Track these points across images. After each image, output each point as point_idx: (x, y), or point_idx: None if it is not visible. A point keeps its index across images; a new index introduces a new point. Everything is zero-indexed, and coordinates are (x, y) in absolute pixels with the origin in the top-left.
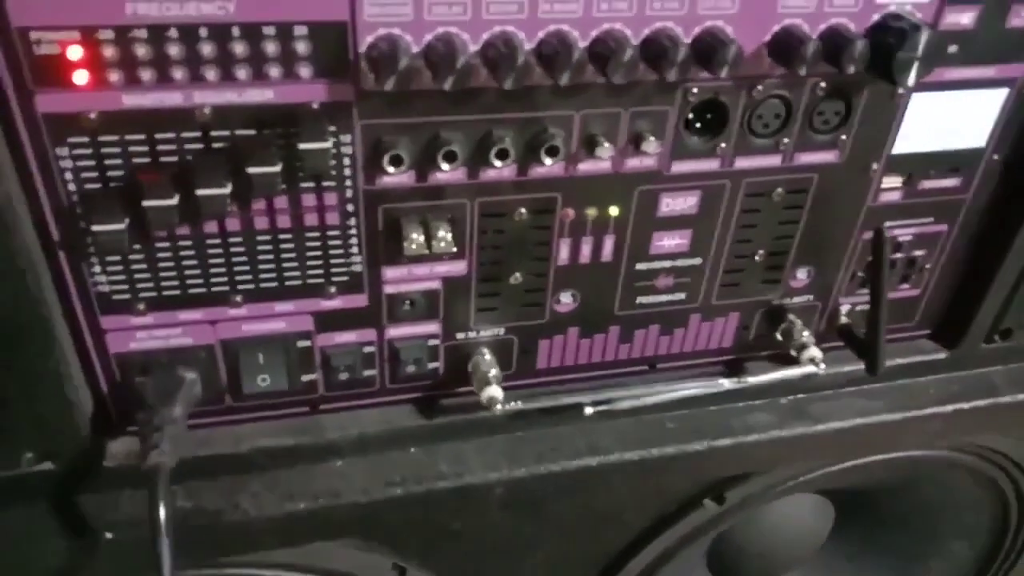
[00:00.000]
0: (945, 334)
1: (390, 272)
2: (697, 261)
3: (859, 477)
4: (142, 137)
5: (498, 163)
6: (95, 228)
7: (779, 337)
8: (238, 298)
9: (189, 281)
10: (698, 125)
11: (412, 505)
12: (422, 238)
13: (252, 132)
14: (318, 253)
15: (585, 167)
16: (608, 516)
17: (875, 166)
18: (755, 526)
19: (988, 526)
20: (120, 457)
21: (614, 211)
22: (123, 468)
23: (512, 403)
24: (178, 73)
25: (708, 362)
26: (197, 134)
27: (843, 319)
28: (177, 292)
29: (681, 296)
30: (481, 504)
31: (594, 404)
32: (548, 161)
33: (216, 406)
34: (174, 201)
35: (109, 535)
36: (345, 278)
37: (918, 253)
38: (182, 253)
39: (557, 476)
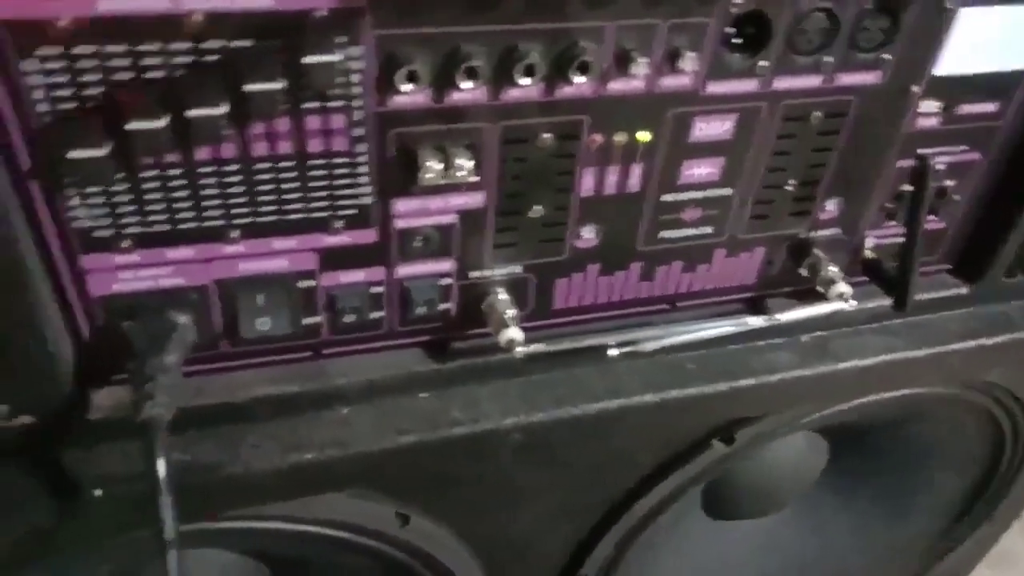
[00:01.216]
0: (967, 269)
1: (401, 205)
2: (727, 192)
3: (863, 414)
4: (123, 48)
5: (524, 81)
6: (71, 155)
7: (804, 272)
8: (234, 234)
9: (180, 215)
10: (737, 41)
11: (425, 454)
12: (439, 166)
13: (250, 43)
14: (323, 183)
15: (616, 86)
16: (615, 459)
17: (915, 89)
18: (750, 465)
19: (980, 461)
20: (107, 409)
21: (644, 136)
22: (111, 420)
23: (534, 345)
24: None
25: (729, 300)
26: (187, 45)
27: (867, 253)
28: (167, 227)
29: (708, 230)
30: (497, 451)
31: (619, 345)
32: (579, 79)
33: (211, 352)
34: (162, 123)
35: (98, 492)
36: (352, 211)
37: (949, 183)
38: (171, 183)
39: (577, 420)
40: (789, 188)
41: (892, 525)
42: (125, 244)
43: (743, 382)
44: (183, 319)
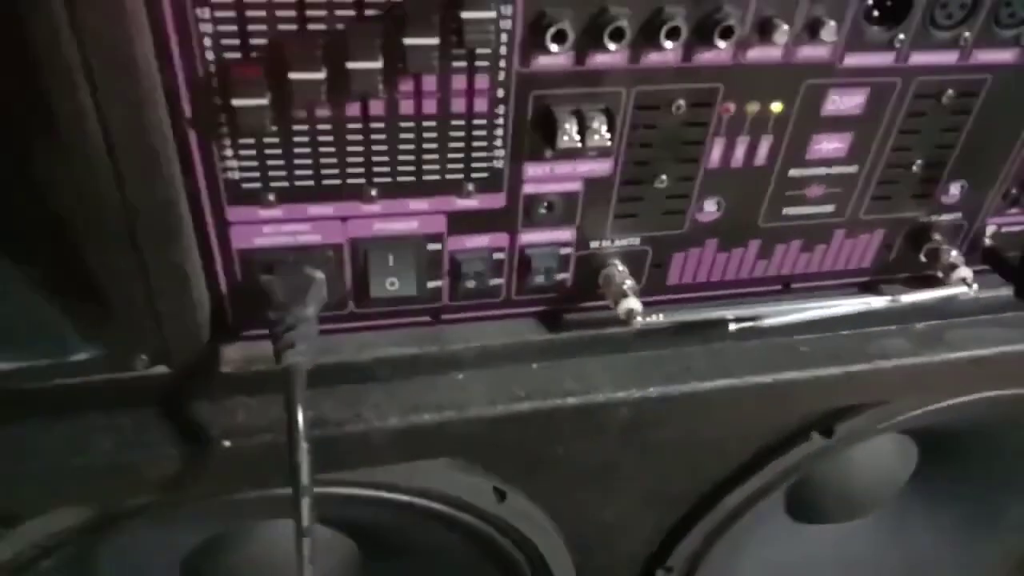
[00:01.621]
0: None
1: (532, 170)
2: (852, 169)
3: (966, 414)
4: (290, 0)
5: (668, 44)
6: (236, 103)
7: (923, 258)
8: (373, 192)
9: (324, 171)
10: (877, 13)
11: (536, 422)
12: (576, 130)
13: None
14: (460, 145)
15: (754, 54)
16: (713, 446)
17: None
18: (837, 466)
19: None
20: (236, 363)
21: (776, 107)
22: (240, 375)
23: (653, 316)
24: None
25: (844, 283)
26: None
27: (987, 241)
28: (311, 183)
29: (829, 208)
30: (603, 425)
31: (737, 320)
32: (721, 44)
33: (338, 312)
34: (321, 75)
35: (227, 443)
36: (485, 175)
37: None
38: (320, 138)
39: (687, 398)
40: (914, 169)
41: (981, 538)
42: (270, 198)
43: (857, 366)
44: (319, 275)
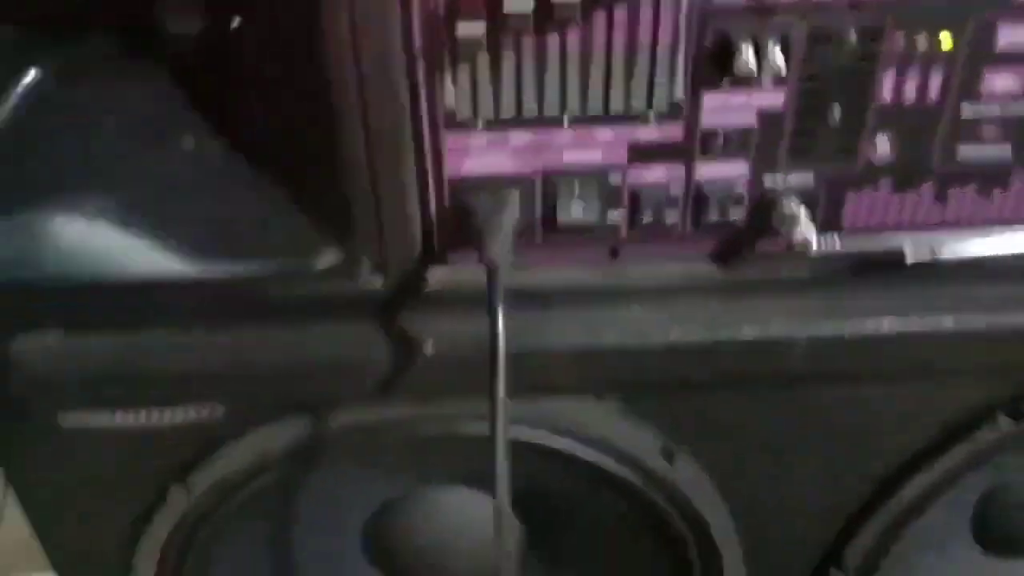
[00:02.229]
0: None
1: (709, 101)
2: None
3: None
4: None
5: None
6: (459, 33)
7: None
8: (565, 123)
9: (525, 101)
10: None
11: (713, 354)
12: (752, 57)
13: None
14: (645, 75)
15: None
16: (887, 425)
17: None
18: None
19: None
20: (442, 282)
21: (946, 41)
22: (444, 292)
23: (828, 243)
24: None
25: None
26: None
27: None
28: (512, 113)
29: (1006, 150)
30: (777, 366)
31: (916, 251)
32: None
33: (527, 240)
34: (531, 4)
35: (430, 350)
36: (665, 106)
37: None
38: (524, 69)
39: (863, 340)
40: None
41: None
42: (479, 126)
43: None
44: (514, 196)
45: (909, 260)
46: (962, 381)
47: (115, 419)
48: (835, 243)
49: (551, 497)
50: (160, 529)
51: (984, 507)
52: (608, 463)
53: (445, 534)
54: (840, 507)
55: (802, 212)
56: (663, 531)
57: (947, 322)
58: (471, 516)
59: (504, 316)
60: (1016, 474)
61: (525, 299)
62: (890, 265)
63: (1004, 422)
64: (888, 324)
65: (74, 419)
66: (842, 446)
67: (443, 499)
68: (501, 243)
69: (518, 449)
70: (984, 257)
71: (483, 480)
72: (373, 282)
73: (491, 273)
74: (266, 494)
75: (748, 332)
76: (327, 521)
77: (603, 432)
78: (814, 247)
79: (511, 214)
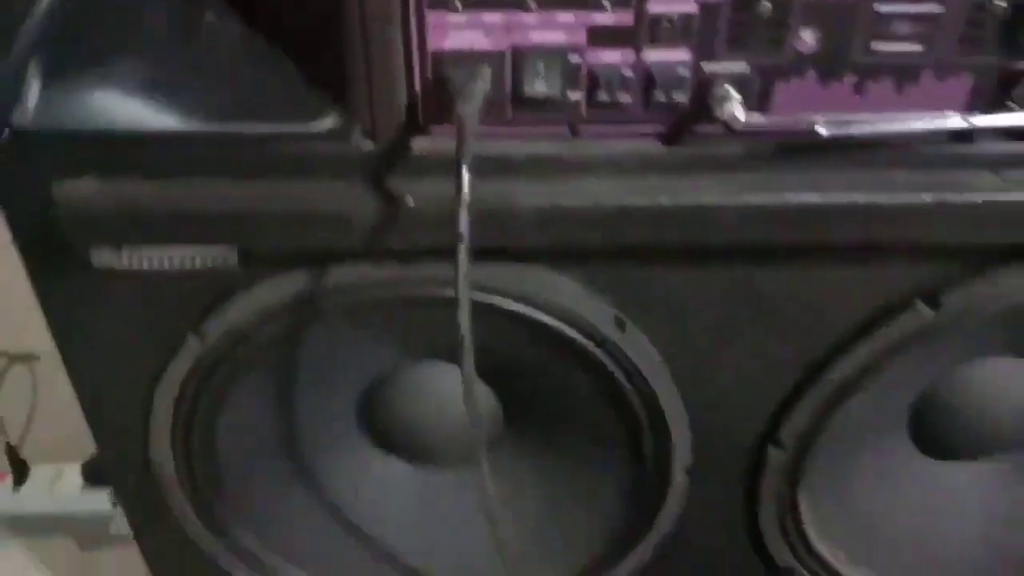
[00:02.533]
0: None
1: None
2: (937, 8)
3: None
4: None
5: None
6: None
7: (1011, 104)
8: (532, 5)
9: None
10: None
11: (656, 219)
12: None
13: None
14: None
15: None
16: (815, 307)
17: None
18: (965, 390)
19: None
20: (424, 149)
21: None
22: (426, 156)
23: (752, 117)
24: None
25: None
26: None
27: None
28: None
29: (917, 48)
30: (714, 230)
31: (830, 127)
32: None
33: (496, 115)
34: None
35: (411, 202)
36: None
37: None
38: None
39: (785, 210)
40: (999, 12)
41: None
42: (458, 7)
43: (951, 196)
44: (487, 69)
45: (823, 134)
46: (883, 267)
47: (141, 258)
48: (762, 122)
49: (522, 372)
50: (177, 372)
51: (920, 412)
52: (566, 329)
53: (429, 407)
54: (775, 388)
55: (733, 93)
56: (619, 405)
57: (860, 198)
58: (452, 390)
59: (469, 168)
60: (946, 379)
61: (494, 167)
62: (812, 147)
63: (923, 310)
64: (808, 198)
65: (105, 257)
66: (775, 327)
67: (427, 373)
68: (471, 105)
69: (483, 314)
70: (896, 136)
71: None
72: (364, 146)
73: (460, 129)
74: (272, 346)
75: (686, 199)
76: (326, 383)
77: (561, 301)
78: (741, 120)
79: (482, 84)
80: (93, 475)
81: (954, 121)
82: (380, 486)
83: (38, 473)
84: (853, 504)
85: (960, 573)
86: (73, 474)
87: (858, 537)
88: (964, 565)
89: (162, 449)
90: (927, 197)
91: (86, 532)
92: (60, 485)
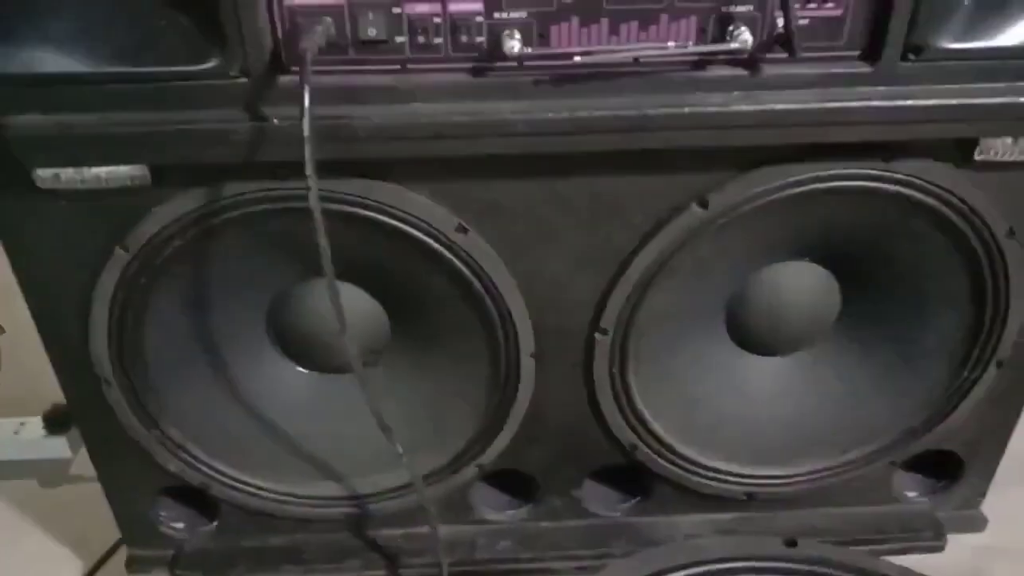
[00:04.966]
0: (868, 54)
1: None
2: None
3: (833, 216)
4: None
5: None
6: None
7: (731, 44)
8: None
9: None
10: None
11: (468, 130)
12: None
13: None
14: None
15: None
16: (612, 212)
17: None
18: (768, 293)
19: (968, 290)
20: (287, 83)
21: None
22: (289, 89)
23: (521, 49)
24: None
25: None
26: None
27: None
28: None
29: None
30: (513, 142)
31: (583, 54)
32: None
33: (341, 55)
34: None
35: (276, 121)
36: None
37: None
38: None
39: (559, 120)
40: None
41: (901, 372)
42: None
43: (688, 109)
44: (328, 19)
45: (578, 59)
46: (662, 176)
47: (74, 175)
48: (532, 52)
49: (393, 280)
50: (108, 280)
51: (734, 311)
52: (416, 233)
53: (323, 320)
54: (595, 281)
55: (516, 34)
56: (472, 300)
57: (622, 112)
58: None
59: (310, 85)
60: (753, 283)
61: (342, 96)
62: (576, 75)
63: (696, 210)
64: (580, 112)
65: (47, 178)
66: (584, 227)
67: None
68: (313, 41)
69: (344, 222)
70: (627, 61)
71: (351, 274)
72: (240, 82)
73: (301, 58)
74: (185, 256)
75: (487, 116)
76: (238, 295)
77: (411, 209)
78: (515, 51)
79: (323, 29)
80: (53, 423)
81: (670, 49)
82: (287, 389)
83: (3, 425)
84: (681, 389)
85: (770, 451)
86: (35, 425)
87: (687, 419)
88: (774, 443)
89: (100, 351)
90: (672, 110)
91: (47, 473)
92: (24, 431)
